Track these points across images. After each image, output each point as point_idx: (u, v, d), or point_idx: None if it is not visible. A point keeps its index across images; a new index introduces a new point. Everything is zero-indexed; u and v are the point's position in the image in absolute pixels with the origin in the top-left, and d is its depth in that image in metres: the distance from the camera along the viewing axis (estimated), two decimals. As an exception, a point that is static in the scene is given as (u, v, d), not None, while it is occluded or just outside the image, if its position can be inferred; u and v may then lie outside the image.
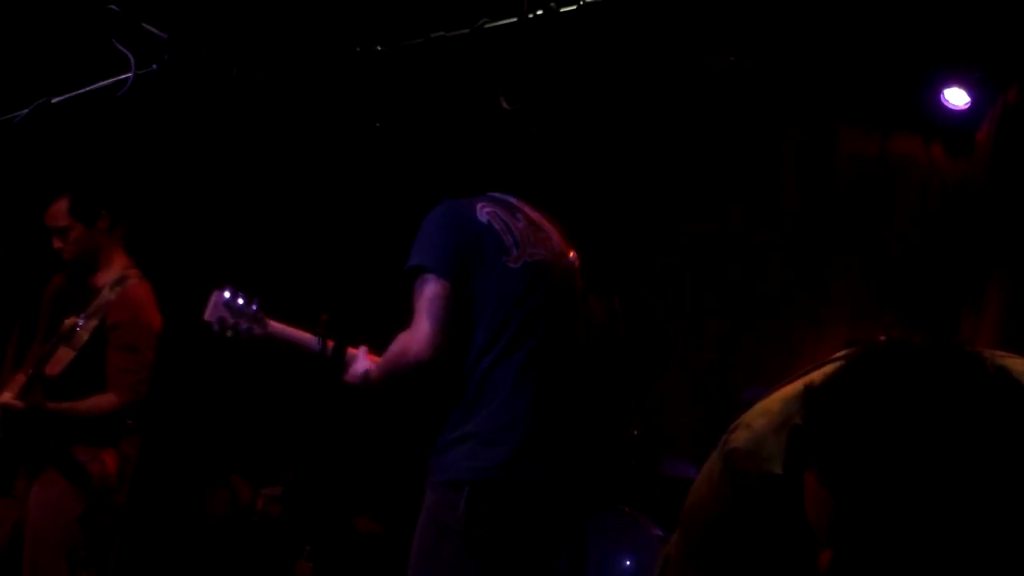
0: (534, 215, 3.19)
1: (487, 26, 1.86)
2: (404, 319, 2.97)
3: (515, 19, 1.81)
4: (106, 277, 4.11)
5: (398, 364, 2.88)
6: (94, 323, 3.99)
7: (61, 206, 4.05)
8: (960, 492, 1.25)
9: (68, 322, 3.96)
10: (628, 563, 4.81)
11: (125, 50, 2.41)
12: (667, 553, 1.75)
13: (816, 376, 1.52)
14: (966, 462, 1.25)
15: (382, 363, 2.94)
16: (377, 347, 3.10)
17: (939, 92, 5.59)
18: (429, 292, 2.89)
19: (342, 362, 2.95)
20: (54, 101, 2.54)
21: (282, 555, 5.76)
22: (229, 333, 3.12)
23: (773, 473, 1.51)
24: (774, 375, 1.68)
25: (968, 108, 5.58)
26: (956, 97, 5.57)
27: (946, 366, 1.30)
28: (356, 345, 3.10)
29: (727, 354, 5.92)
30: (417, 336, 2.86)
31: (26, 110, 2.51)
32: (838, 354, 1.56)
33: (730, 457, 1.58)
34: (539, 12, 1.80)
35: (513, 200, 3.17)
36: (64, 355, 3.98)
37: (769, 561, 1.57)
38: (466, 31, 1.87)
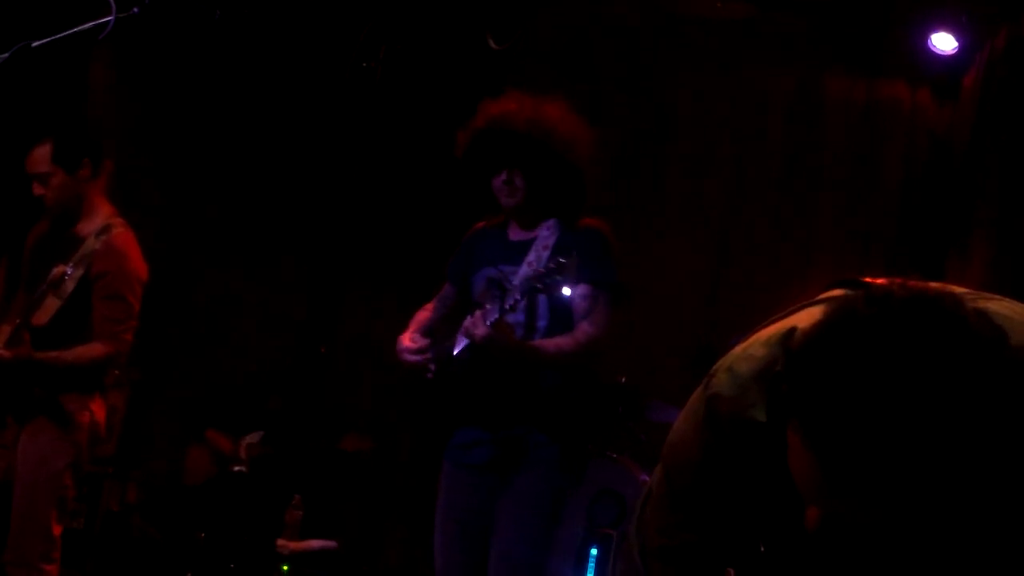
0: None
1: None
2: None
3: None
4: (90, 226, 4.07)
5: (591, 349, 3.44)
6: (79, 272, 3.96)
7: (43, 151, 4.01)
8: (944, 450, 1.24)
9: (56, 271, 3.93)
10: (615, 509, 4.84)
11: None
12: (649, 487, 1.75)
13: (799, 320, 1.51)
14: (948, 421, 1.24)
15: (577, 344, 3.42)
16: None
17: (926, 37, 5.56)
18: (617, 311, 3.50)
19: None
20: (34, 45, 2.51)
21: (271, 506, 5.78)
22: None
23: (756, 420, 1.50)
24: (760, 321, 1.67)
25: (955, 53, 5.56)
26: (944, 42, 5.55)
27: (926, 322, 1.27)
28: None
29: (713, 301, 5.93)
30: (604, 335, 3.45)
31: (6, 54, 2.48)
32: (821, 296, 1.55)
33: (712, 402, 1.56)
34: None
35: None
36: (51, 304, 3.95)
37: (753, 514, 1.57)
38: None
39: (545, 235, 3.54)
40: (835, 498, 1.29)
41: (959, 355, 1.26)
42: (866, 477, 1.26)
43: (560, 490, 3.46)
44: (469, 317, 3.37)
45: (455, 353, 3.50)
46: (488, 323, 3.31)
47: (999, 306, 1.46)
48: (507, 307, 3.32)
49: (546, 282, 3.25)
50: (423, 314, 3.76)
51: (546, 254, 3.48)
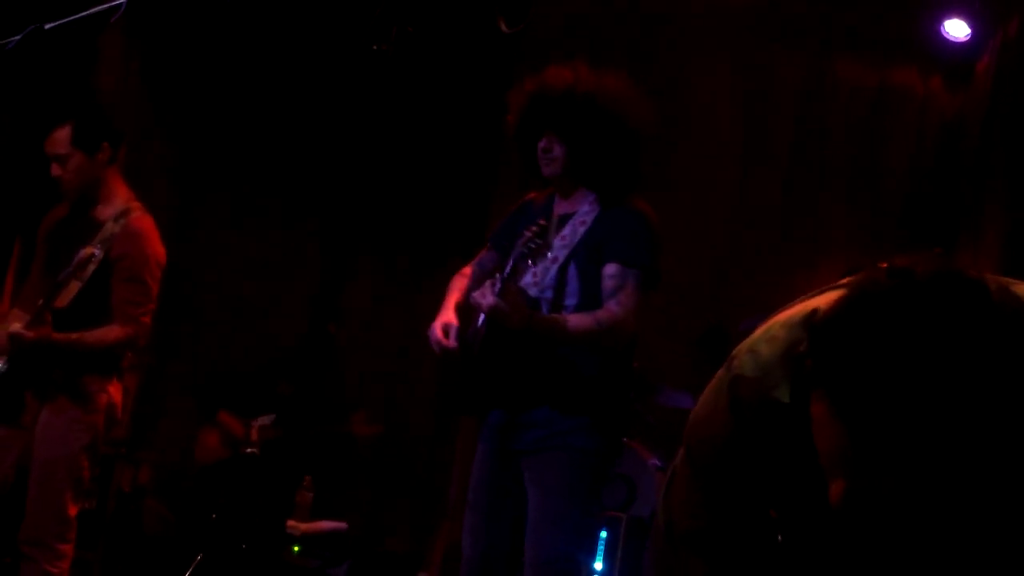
0: None
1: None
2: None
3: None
4: (109, 209, 4.09)
5: (615, 330, 3.30)
6: (100, 255, 3.98)
7: (63, 133, 4.02)
8: (970, 421, 1.25)
9: (84, 252, 3.94)
10: (625, 492, 4.86)
11: (118, -24, 2.39)
12: (673, 468, 1.76)
13: (820, 302, 1.51)
14: (969, 387, 1.25)
15: (598, 323, 3.29)
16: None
17: (939, 23, 5.54)
18: (641, 293, 3.34)
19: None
20: (47, 27, 2.53)
21: (282, 487, 5.82)
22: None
23: (779, 401, 1.51)
24: (769, 304, 1.68)
25: (968, 40, 5.54)
26: (956, 29, 5.53)
27: (949, 291, 1.29)
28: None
29: (722, 283, 5.93)
30: (629, 317, 3.32)
31: (19, 36, 2.50)
32: (841, 280, 1.56)
33: (735, 384, 1.57)
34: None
35: None
36: (72, 287, 3.97)
37: (777, 490, 1.58)
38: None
39: (585, 210, 3.42)
40: (861, 467, 1.30)
41: (981, 323, 1.27)
42: (892, 444, 1.27)
43: (595, 477, 3.37)
44: (479, 289, 3.25)
45: (479, 326, 3.37)
46: (495, 292, 3.18)
47: (1021, 289, 1.46)
48: (505, 275, 3.19)
49: (529, 247, 3.13)
50: (461, 281, 3.62)
51: (583, 230, 3.38)
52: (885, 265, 1.38)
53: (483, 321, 3.34)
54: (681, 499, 1.71)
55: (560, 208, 3.50)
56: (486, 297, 3.19)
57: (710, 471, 1.63)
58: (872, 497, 1.32)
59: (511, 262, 3.21)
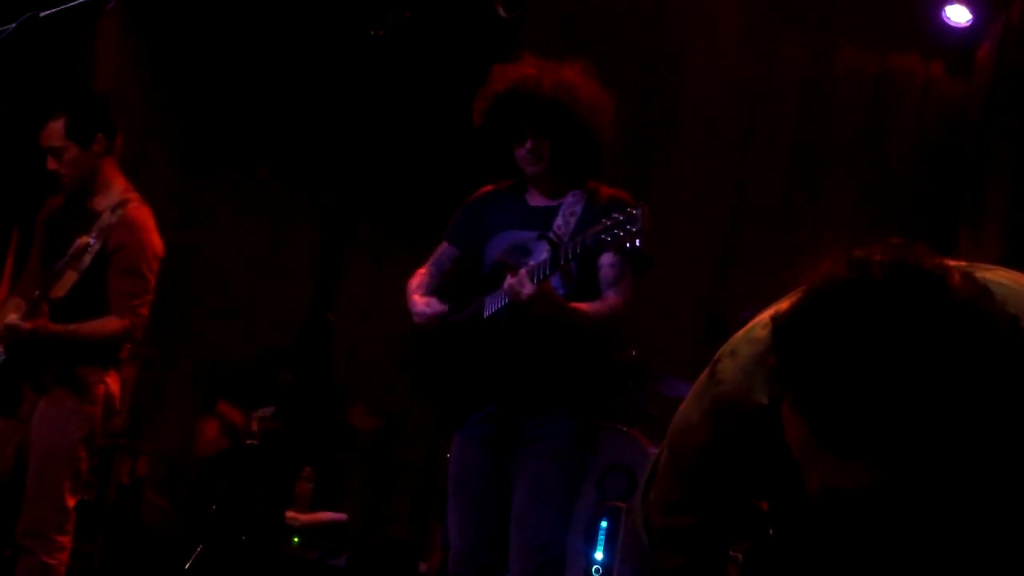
0: None
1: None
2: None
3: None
4: (105, 200, 4.07)
5: (619, 317, 3.38)
6: (97, 246, 3.97)
7: (57, 125, 4.00)
8: (924, 416, 1.25)
9: (80, 241, 3.93)
10: (625, 483, 4.85)
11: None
12: (653, 465, 1.77)
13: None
14: (927, 388, 1.24)
15: (610, 309, 3.36)
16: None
17: (940, 9, 5.53)
18: (635, 280, 3.44)
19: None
20: (42, 15, 2.51)
21: (282, 478, 5.81)
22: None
23: (759, 405, 1.51)
24: (771, 294, 1.67)
25: (970, 26, 5.52)
26: (958, 14, 5.52)
27: (904, 291, 1.27)
28: None
29: (724, 273, 5.92)
30: (629, 305, 3.40)
31: (13, 24, 2.47)
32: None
33: (718, 390, 1.58)
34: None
35: None
36: (68, 278, 3.96)
37: (764, 486, 1.59)
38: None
39: (570, 201, 3.45)
40: (827, 460, 1.30)
41: (934, 318, 1.26)
42: (848, 439, 1.27)
43: (580, 464, 3.39)
44: (510, 276, 3.20)
45: (486, 316, 3.37)
46: (535, 281, 3.17)
47: (996, 275, 1.46)
48: (562, 262, 3.18)
49: (615, 233, 3.04)
50: (419, 280, 3.63)
51: (573, 220, 3.39)
52: (844, 261, 1.37)
53: (500, 309, 3.32)
54: (662, 496, 1.72)
55: (536, 200, 3.53)
56: (525, 286, 3.17)
57: (692, 471, 1.64)
58: (843, 497, 1.32)
59: (573, 248, 3.16)
